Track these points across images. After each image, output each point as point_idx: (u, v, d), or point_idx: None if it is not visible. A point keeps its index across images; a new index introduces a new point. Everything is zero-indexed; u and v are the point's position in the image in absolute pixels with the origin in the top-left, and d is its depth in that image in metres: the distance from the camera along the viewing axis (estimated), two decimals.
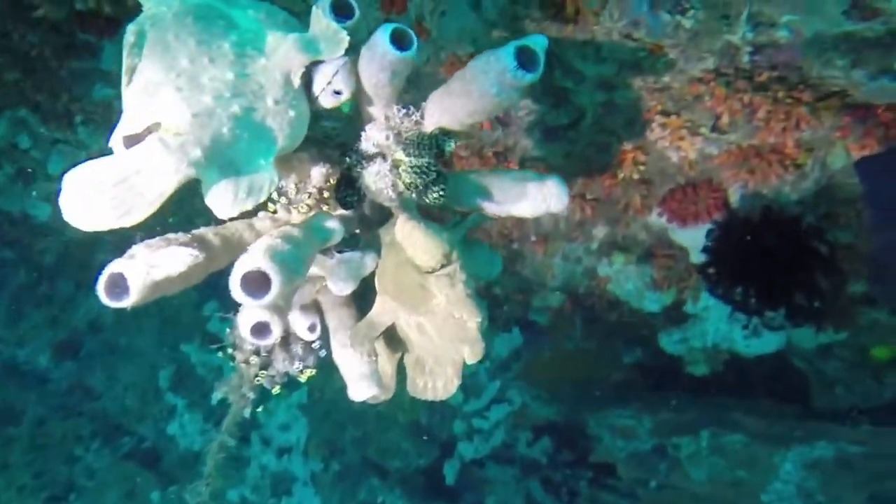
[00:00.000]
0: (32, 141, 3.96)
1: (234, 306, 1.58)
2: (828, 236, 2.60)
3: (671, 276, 3.70)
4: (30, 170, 4.08)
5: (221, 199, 1.27)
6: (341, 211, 1.66)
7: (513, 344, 5.50)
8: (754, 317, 2.78)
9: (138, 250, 1.29)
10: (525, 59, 1.34)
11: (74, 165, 1.19)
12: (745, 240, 2.61)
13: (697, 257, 3.39)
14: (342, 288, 1.64)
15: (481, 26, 2.51)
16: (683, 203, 2.89)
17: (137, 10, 2.86)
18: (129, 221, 1.19)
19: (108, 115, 3.75)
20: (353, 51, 1.46)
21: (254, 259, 1.26)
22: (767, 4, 2.23)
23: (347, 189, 1.53)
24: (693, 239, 3.25)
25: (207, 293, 5.25)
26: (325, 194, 1.63)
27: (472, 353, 1.50)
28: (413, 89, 1.55)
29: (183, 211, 1.91)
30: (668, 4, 2.28)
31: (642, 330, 4.46)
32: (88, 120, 3.77)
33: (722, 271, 2.78)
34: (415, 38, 1.35)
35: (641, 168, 2.94)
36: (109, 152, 1.27)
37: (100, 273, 1.23)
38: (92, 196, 1.17)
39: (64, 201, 1.17)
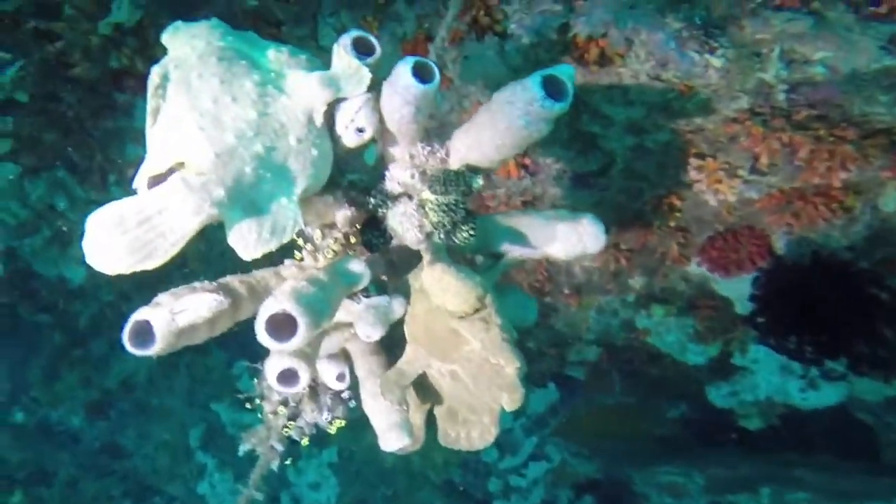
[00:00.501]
0: (69, 202, 4.05)
1: (264, 360, 1.54)
2: (888, 282, 2.47)
3: (715, 327, 3.56)
4: (65, 229, 4.16)
5: (245, 239, 1.23)
6: (368, 255, 1.62)
7: (549, 399, 5.36)
8: (812, 366, 2.62)
9: (163, 298, 1.27)
10: (553, 88, 1.29)
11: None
12: (796, 287, 2.48)
13: (743, 308, 3.26)
14: (370, 333, 1.57)
15: (505, 72, 2.52)
16: (724, 251, 2.78)
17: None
18: (151, 264, 1.17)
19: None
20: (374, 88, 1.44)
21: (279, 302, 1.22)
22: (799, 41, 2.18)
23: (373, 231, 1.49)
24: (737, 289, 3.12)
25: (237, 353, 5.25)
26: (352, 239, 1.58)
27: (510, 401, 1.40)
28: (436, 138, 1.52)
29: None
30: (696, 44, 2.25)
31: (686, 383, 4.29)
32: (122, 180, 3.85)
33: (773, 320, 2.65)
34: (437, 71, 1.32)
35: (677, 215, 2.86)
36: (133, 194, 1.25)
37: (125, 321, 1.20)
38: (114, 237, 1.15)
39: (87, 243, 1.16)
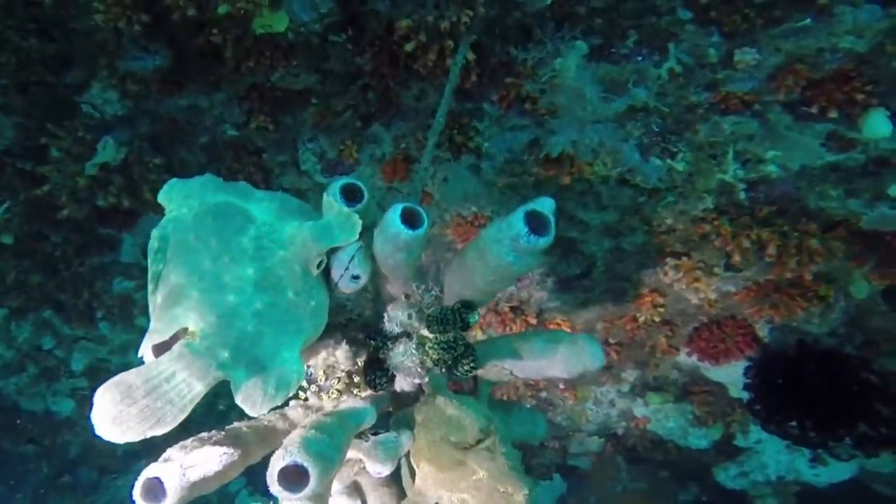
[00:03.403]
0: (56, 341, 4.02)
1: (265, 489, 1.52)
2: (875, 365, 2.53)
3: (714, 411, 3.58)
4: (50, 366, 4.12)
5: (251, 398, 1.25)
6: (371, 391, 1.63)
7: (556, 492, 5.21)
8: (818, 450, 2.63)
9: (173, 452, 1.28)
10: (536, 223, 1.36)
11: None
12: (787, 375, 2.53)
13: (737, 392, 3.29)
14: (380, 470, 1.56)
15: (482, 188, 2.63)
16: (712, 342, 2.85)
17: (155, 204, 3.02)
18: (159, 430, 1.18)
19: (128, 308, 3.84)
20: (366, 232, 1.50)
21: (290, 453, 1.22)
22: (750, 142, 2.33)
23: (376, 371, 1.51)
24: (729, 375, 3.16)
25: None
26: (355, 378, 1.60)
27: None
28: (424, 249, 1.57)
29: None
30: (657, 150, 2.39)
31: (694, 466, 4.26)
32: (109, 314, 3.85)
33: (770, 408, 2.67)
34: (425, 217, 1.38)
35: (661, 310, 2.93)
36: (136, 358, 1.28)
37: (135, 478, 1.21)
38: (123, 408, 1.16)
39: (96, 415, 1.17)
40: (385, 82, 2.61)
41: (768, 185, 2.31)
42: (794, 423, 2.63)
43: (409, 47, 2.26)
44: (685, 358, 3.14)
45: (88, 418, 1.19)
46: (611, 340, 3.32)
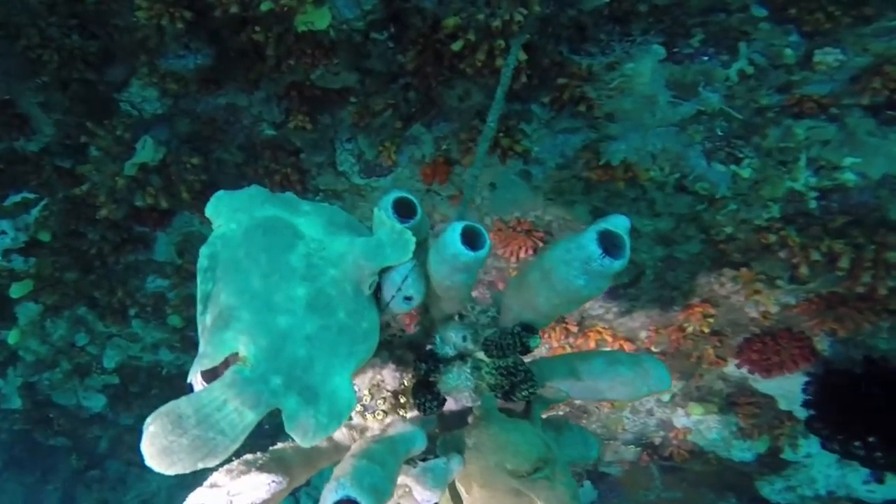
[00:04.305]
0: (89, 337, 4.02)
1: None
2: None
3: (760, 423, 3.45)
4: (82, 363, 4.13)
5: (303, 427, 1.18)
6: (417, 413, 1.55)
7: (586, 499, 5.13)
8: (886, 472, 2.49)
9: (219, 477, 1.24)
10: (608, 243, 1.26)
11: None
12: (852, 393, 2.38)
13: (787, 404, 3.16)
14: (428, 498, 1.49)
15: (531, 194, 2.52)
16: (765, 354, 2.71)
17: (191, 204, 2.96)
18: (212, 461, 1.12)
19: (161, 306, 3.82)
20: (418, 248, 1.41)
21: (343, 486, 1.16)
22: (825, 148, 2.19)
23: (426, 395, 1.42)
24: (779, 387, 3.03)
25: None
26: (401, 398, 1.52)
27: None
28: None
29: None
30: (722, 155, 2.26)
31: (734, 478, 4.14)
32: (142, 312, 3.84)
33: (832, 426, 2.54)
34: (486, 237, 1.29)
35: (710, 321, 2.80)
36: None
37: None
38: (174, 439, 1.09)
39: (145, 447, 1.10)
40: (427, 82, 2.52)
41: (843, 193, 2.17)
42: (858, 443, 2.49)
43: (456, 46, 2.16)
44: (733, 369, 3.02)
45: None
46: (654, 349, 3.21)
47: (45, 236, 3.47)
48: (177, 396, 1.15)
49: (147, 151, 2.98)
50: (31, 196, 3.47)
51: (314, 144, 3.06)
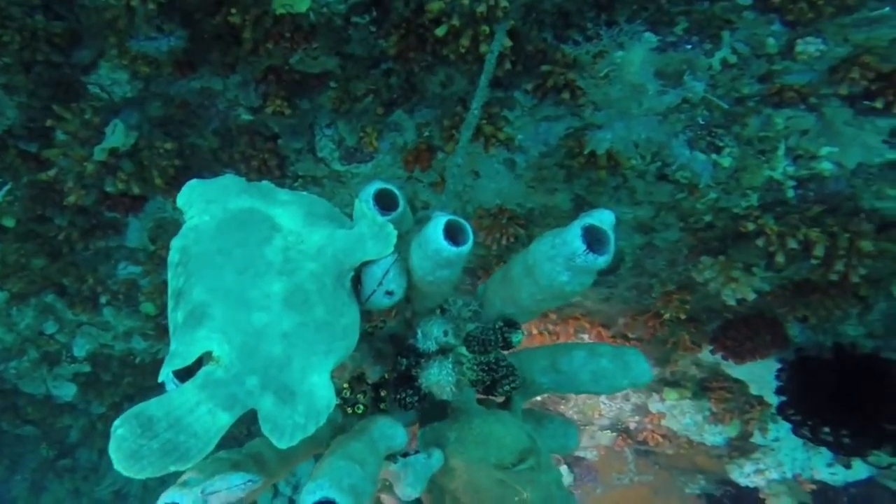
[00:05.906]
0: (58, 325, 3.92)
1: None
2: None
3: (732, 408, 3.51)
4: (51, 351, 4.03)
5: (280, 428, 1.14)
6: (398, 407, 1.53)
7: (563, 483, 5.20)
8: (854, 457, 2.54)
9: (192, 476, 1.21)
10: (592, 238, 1.24)
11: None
12: (823, 379, 2.42)
13: (759, 389, 3.21)
14: (409, 494, 1.47)
15: (515, 182, 2.50)
16: (739, 340, 2.74)
17: (164, 189, 2.87)
18: (183, 466, 1.09)
19: (133, 293, 3.73)
20: (400, 241, 1.38)
21: (321, 487, 1.14)
22: (804, 138, 2.20)
23: (406, 390, 1.40)
24: (750, 373, 3.08)
25: None
26: (381, 392, 1.50)
27: None
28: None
29: None
30: (703, 144, 2.26)
31: (704, 462, 4.22)
32: (113, 300, 3.75)
33: (803, 412, 2.58)
34: (470, 231, 1.26)
35: (686, 307, 2.82)
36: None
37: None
38: (143, 443, 1.06)
39: (114, 452, 1.06)
40: (410, 67, 2.47)
41: (819, 182, 2.18)
42: (827, 429, 2.54)
43: (440, 31, 2.12)
44: (707, 355, 3.05)
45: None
46: (630, 336, 3.24)
47: (9, 221, 3.36)
48: (151, 385, 1.12)
49: (118, 136, 2.88)
50: None
51: (293, 130, 2.99)
